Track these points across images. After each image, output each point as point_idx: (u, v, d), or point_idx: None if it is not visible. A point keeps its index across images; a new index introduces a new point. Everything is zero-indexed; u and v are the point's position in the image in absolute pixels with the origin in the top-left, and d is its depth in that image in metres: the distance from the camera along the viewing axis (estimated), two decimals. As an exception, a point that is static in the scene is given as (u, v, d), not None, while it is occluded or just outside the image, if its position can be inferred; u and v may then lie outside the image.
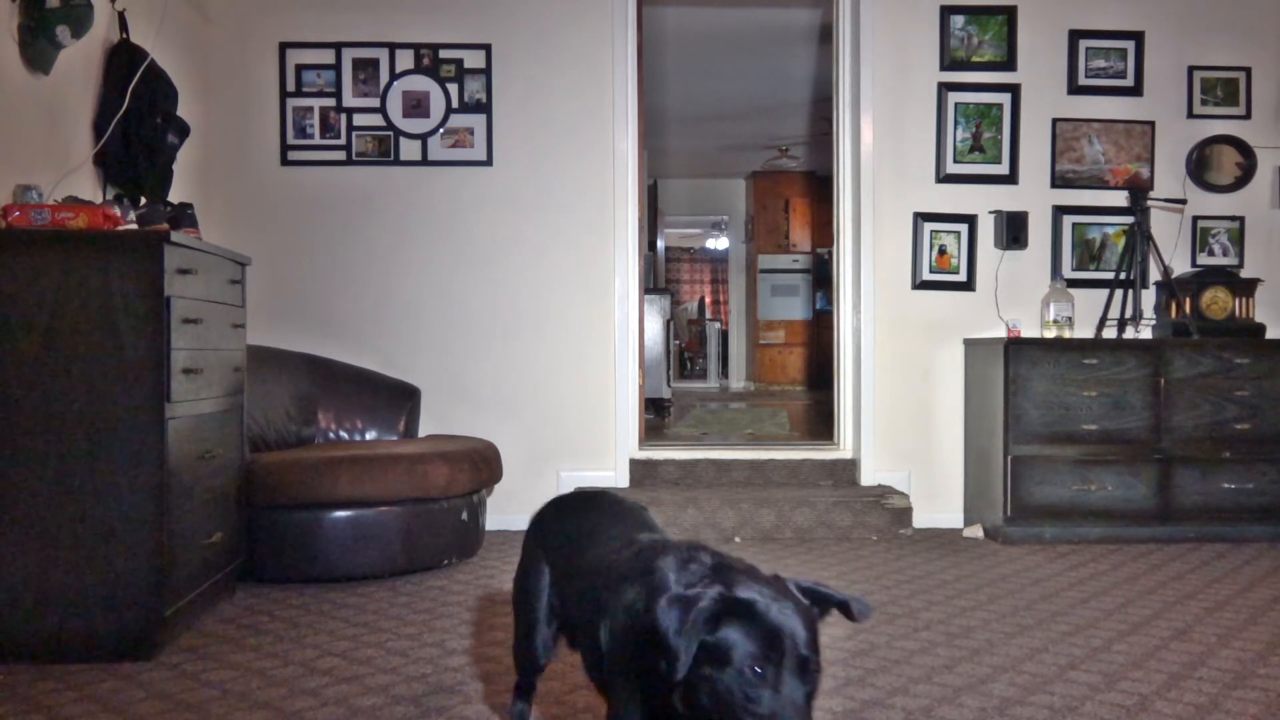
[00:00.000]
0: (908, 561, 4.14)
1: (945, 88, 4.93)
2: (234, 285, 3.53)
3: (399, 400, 4.67)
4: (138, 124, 3.70)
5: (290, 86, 4.84)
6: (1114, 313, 4.76)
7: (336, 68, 4.84)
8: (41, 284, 2.83)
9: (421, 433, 4.76)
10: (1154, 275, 4.92)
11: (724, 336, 13.40)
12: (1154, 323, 4.85)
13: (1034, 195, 4.97)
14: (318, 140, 4.85)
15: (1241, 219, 5.02)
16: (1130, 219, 4.79)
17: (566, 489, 4.85)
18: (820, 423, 7.08)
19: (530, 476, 4.87)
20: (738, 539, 4.53)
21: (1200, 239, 5.02)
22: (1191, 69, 5.00)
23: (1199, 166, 5.00)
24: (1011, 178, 4.97)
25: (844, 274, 5.14)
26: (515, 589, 2.07)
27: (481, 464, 4.09)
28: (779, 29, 7.03)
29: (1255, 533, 4.53)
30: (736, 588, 1.39)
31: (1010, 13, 4.94)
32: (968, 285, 4.96)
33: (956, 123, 4.94)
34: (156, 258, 2.87)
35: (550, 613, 1.97)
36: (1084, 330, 4.85)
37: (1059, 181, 4.98)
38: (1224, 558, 4.21)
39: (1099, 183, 4.99)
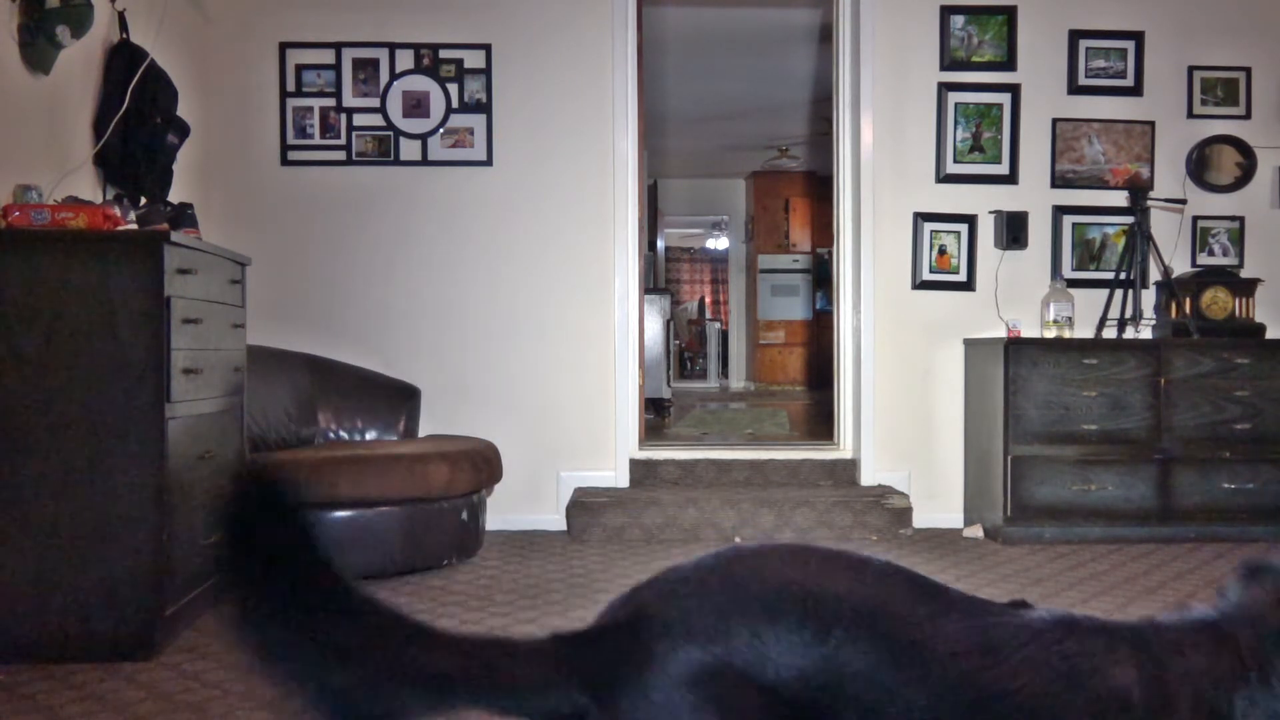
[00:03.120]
0: (908, 562, 4.13)
1: (945, 88, 4.93)
2: (234, 285, 3.53)
3: (399, 400, 4.66)
4: (138, 124, 3.70)
5: (290, 86, 4.84)
6: (1114, 313, 4.75)
7: (336, 68, 4.84)
8: (41, 284, 2.83)
9: (421, 433, 4.76)
10: (1154, 275, 4.92)
11: (724, 336, 13.39)
12: (1154, 323, 4.85)
13: (1034, 195, 4.97)
14: (318, 140, 4.85)
15: (1241, 219, 5.02)
16: (1130, 219, 4.78)
17: (566, 489, 4.84)
18: (820, 423, 7.08)
19: (530, 476, 4.86)
20: (738, 539, 4.53)
21: (1200, 239, 5.02)
22: (1191, 69, 4.99)
23: (1199, 166, 5.00)
24: (1011, 178, 4.96)
25: (844, 274, 5.14)
26: None
27: (481, 464, 4.09)
28: (779, 29, 7.03)
29: (1255, 533, 4.53)
30: None
31: (1010, 13, 4.94)
32: (968, 285, 4.96)
33: (956, 123, 4.94)
34: (156, 258, 2.87)
35: None
36: (1084, 330, 4.85)
37: (1059, 181, 4.98)
38: (1224, 558, 4.20)
39: (1099, 183, 4.99)
